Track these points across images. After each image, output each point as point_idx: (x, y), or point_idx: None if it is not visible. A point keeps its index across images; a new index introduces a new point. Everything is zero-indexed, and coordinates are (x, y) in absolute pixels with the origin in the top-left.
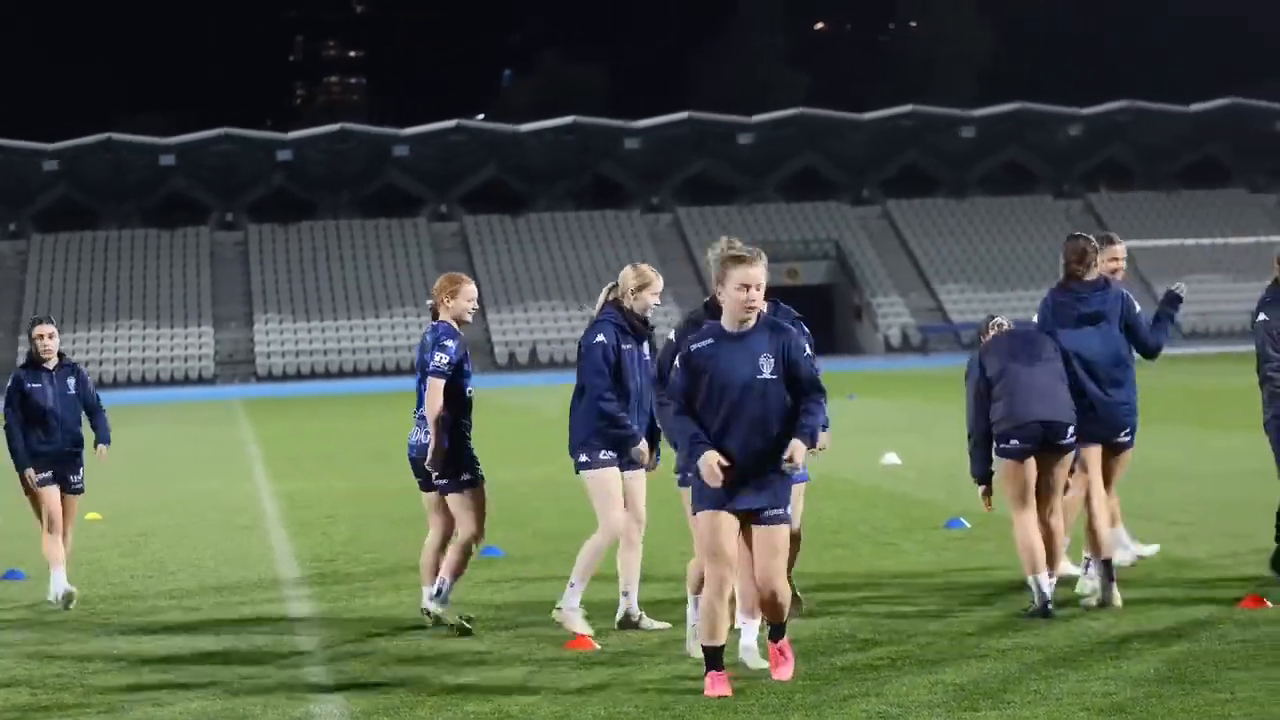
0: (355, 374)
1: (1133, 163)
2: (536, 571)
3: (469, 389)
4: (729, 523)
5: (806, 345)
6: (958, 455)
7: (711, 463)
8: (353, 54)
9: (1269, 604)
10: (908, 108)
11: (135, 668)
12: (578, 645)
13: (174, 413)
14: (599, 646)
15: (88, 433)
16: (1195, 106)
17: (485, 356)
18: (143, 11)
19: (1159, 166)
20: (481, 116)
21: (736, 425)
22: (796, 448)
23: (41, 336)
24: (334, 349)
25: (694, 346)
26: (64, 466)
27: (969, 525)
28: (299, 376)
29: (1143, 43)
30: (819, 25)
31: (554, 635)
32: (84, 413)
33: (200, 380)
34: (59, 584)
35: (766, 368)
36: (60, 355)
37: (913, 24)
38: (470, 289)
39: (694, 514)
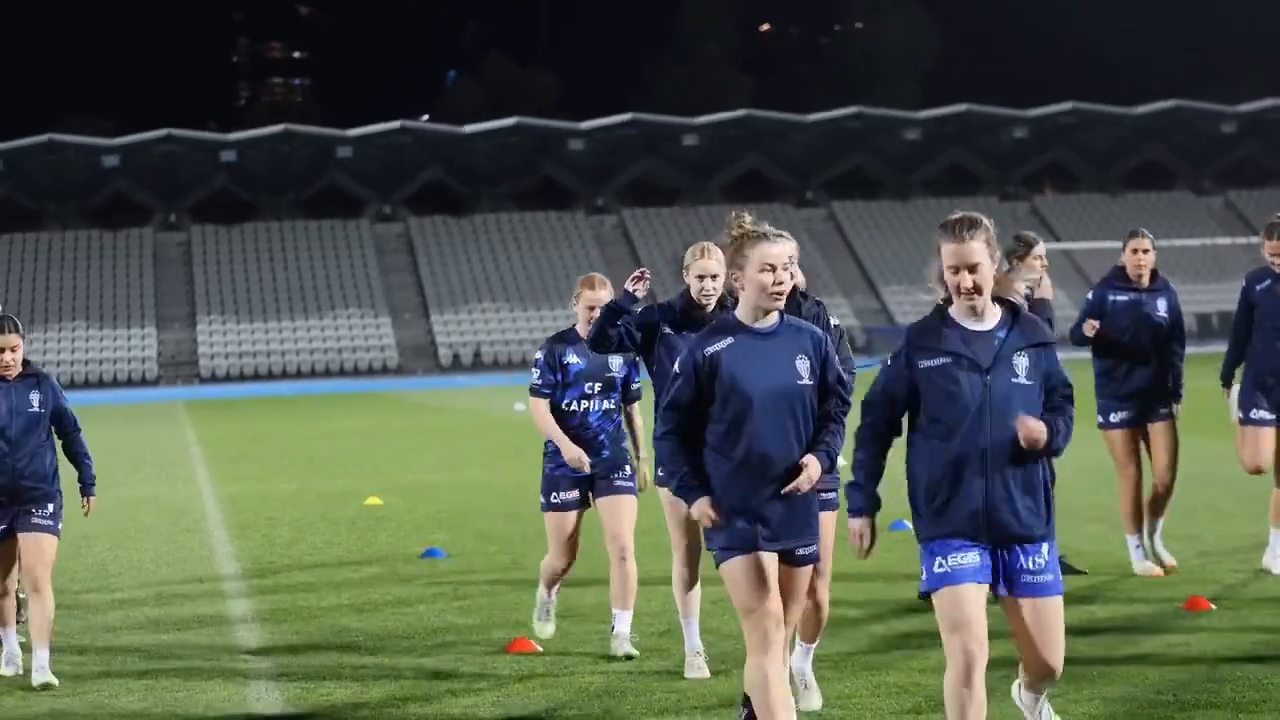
0: (299, 375)
1: (1077, 165)
2: (478, 572)
3: (565, 402)
4: (769, 566)
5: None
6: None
7: (707, 510)
8: (297, 55)
9: (1212, 606)
10: (852, 110)
11: (76, 670)
12: (518, 647)
13: (116, 415)
14: (540, 649)
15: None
16: (1139, 109)
17: (429, 358)
18: (86, 12)
19: (1104, 169)
20: (426, 117)
21: (760, 443)
22: (811, 465)
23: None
24: (277, 350)
25: (708, 349)
26: (12, 501)
27: (911, 527)
28: (242, 378)
29: (1088, 45)
30: (765, 27)
31: (496, 637)
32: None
33: (143, 382)
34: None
35: (804, 371)
36: (26, 364)
37: (858, 25)
38: (589, 293)
39: (717, 563)
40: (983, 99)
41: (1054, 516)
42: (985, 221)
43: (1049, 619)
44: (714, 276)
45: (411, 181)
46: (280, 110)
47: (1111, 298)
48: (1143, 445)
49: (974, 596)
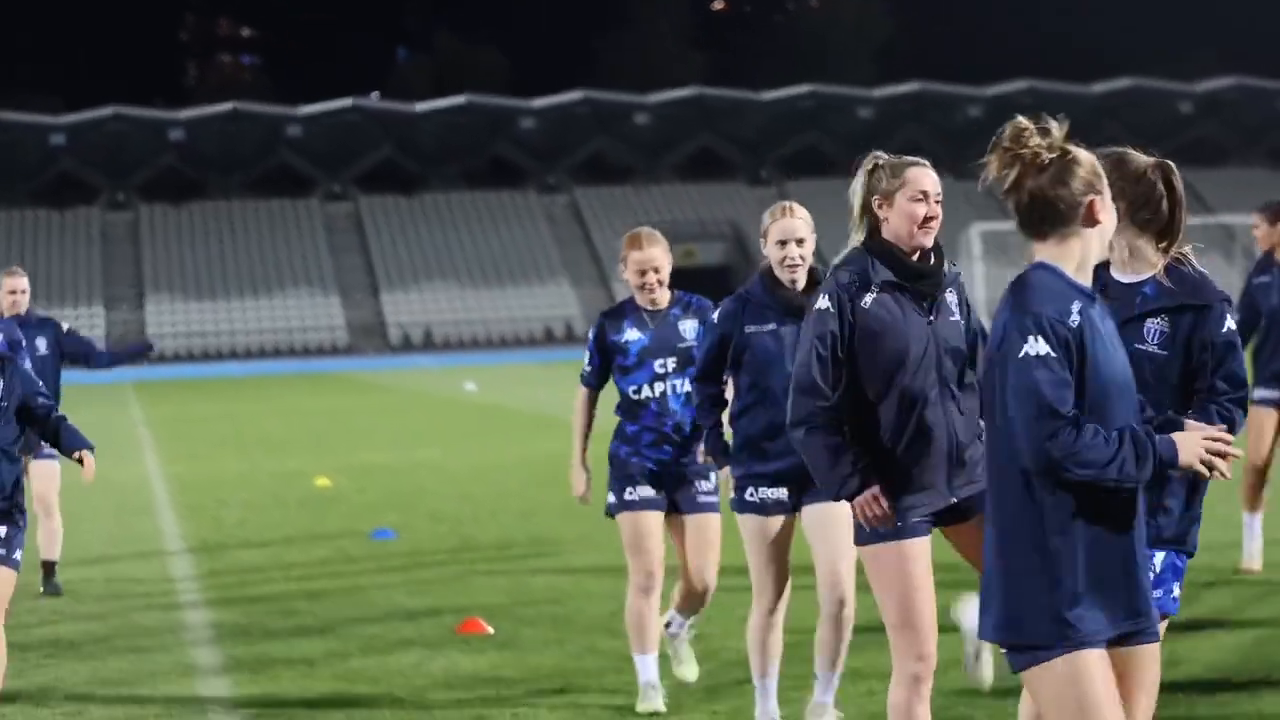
0: (248, 355)
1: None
2: (428, 553)
3: (633, 388)
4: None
5: None
6: None
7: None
8: (246, 32)
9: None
10: (806, 88)
11: (20, 653)
12: (468, 628)
13: (64, 395)
14: (491, 630)
15: None
16: (1096, 87)
17: (379, 338)
18: None
19: None
20: (376, 96)
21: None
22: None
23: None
24: (226, 330)
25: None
26: None
27: None
28: (191, 358)
29: (1044, 23)
30: (718, 5)
31: (445, 620)
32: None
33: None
34: None
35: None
36: None
37: (812, 3)
38: (636, 255)
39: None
40: (938, 77)
41: None
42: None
43: None
44: (800, 241)
45: (362, 160)
46: (229, 88)
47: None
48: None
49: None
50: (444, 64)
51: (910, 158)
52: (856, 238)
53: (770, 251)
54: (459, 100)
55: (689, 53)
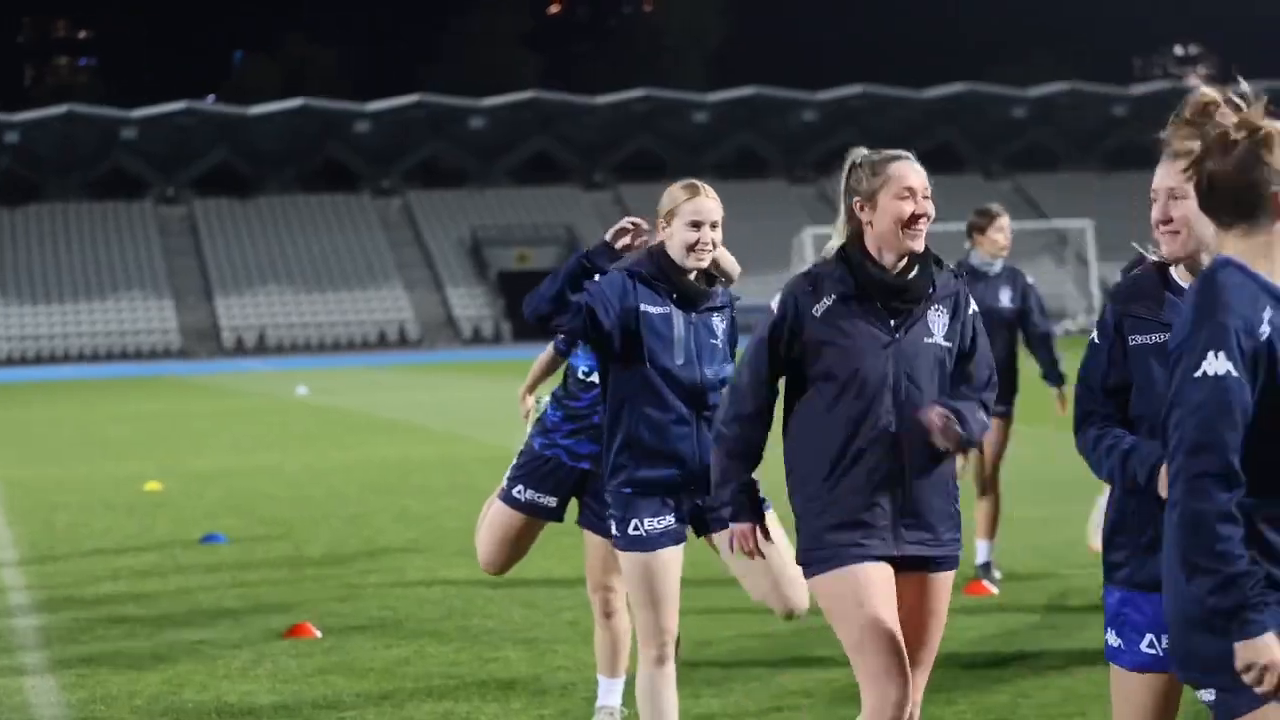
0: (80, 359)
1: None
2: (258, 557)
3: (579, 369)
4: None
5: None
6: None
7: None
8: (82, 35)
9: (993, 590)
10: (640, 92)
11: None
12: (297, 633)
13: None
14: (319, 635)
15: None
16: (929, 92)
17: (212, 342)
18: None
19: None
20: (212, 98)
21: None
22: None
23: None
24: (60, 333)
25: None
26: None
27: None
28: (24, 361)
29: (878, 28)
30: (554, 8)
31: (273, 625)
32: None
33: None
34: None
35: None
36: None
37: (647, 8)
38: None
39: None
40: (772, 81)
41: None
42: None
43: None
44: (714, 224)
45: (197, 163)
46: (65, 90)
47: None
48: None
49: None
50: (282, 67)
51: (892, 151)
52: (835, 242)
53: (676, 233)
54: (294, 103)
55: (525, 57)
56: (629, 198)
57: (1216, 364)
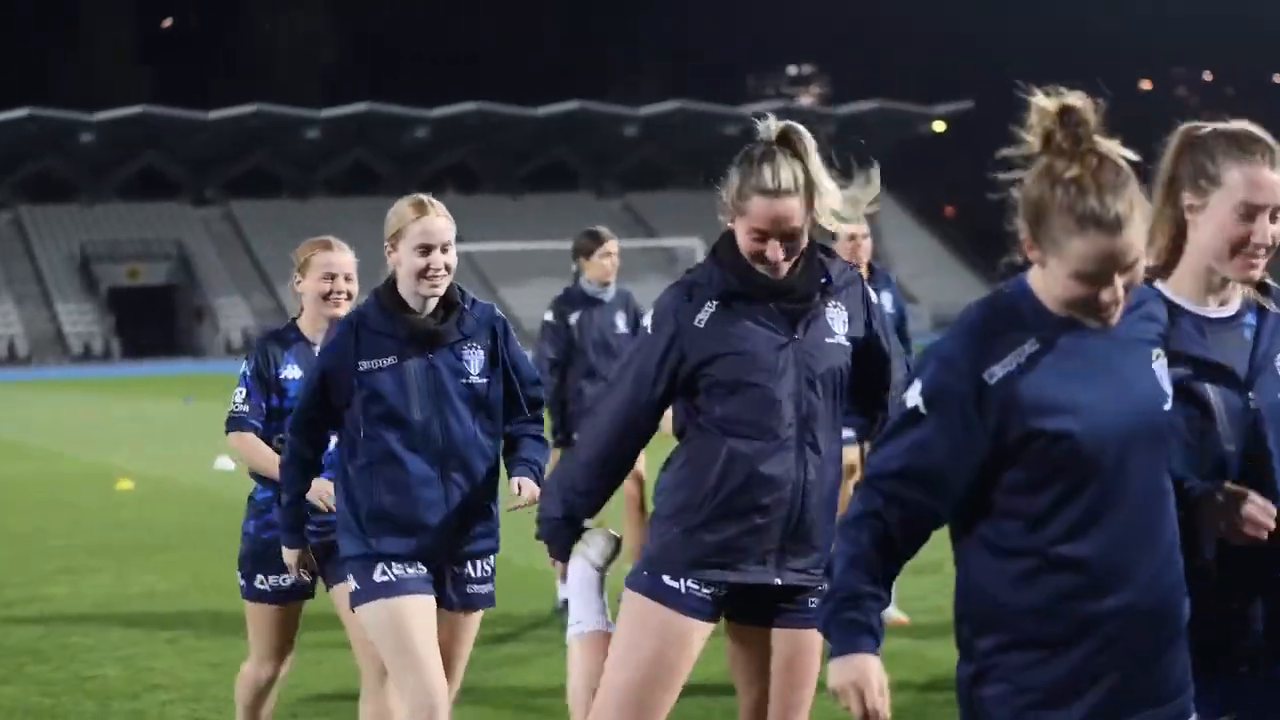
0: None
1: (481, 165)
2: None
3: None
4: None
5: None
6: None
7: None
8: None
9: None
10: (253, 107)
11: None
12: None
13: None
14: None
15: None
16: (542, 110)
17: None
18: None
19: (507, 170)
20: None
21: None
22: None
23: None
24: None
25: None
26: None
27: None
28: None
29: (490, 46)
30: (167, 22)
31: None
32: None
33: None
34: None
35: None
36: None
37: (264, 26)
38: (321, 256)
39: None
40: (385, 98)
41: None
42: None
43: None
44: (445, 247)
45: None
46: None
47: None
48: None
49: None
50: None
51: (761, 177)
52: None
53: (405, 260)
54: None
55: (137, 70)
56: (240, 214)
57: None
